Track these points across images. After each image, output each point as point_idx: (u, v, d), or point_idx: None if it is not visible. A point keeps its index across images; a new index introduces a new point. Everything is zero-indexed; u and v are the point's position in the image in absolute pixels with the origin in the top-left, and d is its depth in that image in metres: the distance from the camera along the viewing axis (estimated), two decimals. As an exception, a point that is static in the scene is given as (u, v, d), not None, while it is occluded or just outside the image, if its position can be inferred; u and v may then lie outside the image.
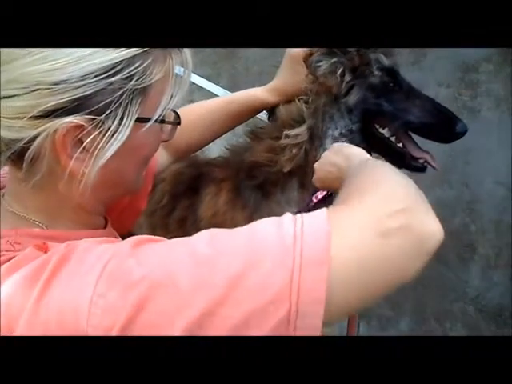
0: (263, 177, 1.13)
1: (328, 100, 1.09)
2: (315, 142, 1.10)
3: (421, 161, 1.11)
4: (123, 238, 0.83)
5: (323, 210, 0.53)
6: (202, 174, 1.25)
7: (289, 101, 1.11)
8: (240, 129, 1.24)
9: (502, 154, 2.02)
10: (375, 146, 1.12)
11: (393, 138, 1.11)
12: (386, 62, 1.09)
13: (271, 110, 1.16)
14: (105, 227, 0.75)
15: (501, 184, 2.04)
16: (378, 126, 1.10)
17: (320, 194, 1.08)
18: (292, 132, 1.09)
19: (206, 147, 1.19)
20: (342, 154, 0.82)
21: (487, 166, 2.06)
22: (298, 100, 1.10)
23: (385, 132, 1.10)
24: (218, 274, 0.48)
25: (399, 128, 1.09)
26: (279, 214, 1.11)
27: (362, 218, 0.52)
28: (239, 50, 2.61)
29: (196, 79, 1.51)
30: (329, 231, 0.50)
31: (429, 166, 1.13)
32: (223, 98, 1.16)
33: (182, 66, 0.67)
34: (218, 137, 1.17)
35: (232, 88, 1.45)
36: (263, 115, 1.21)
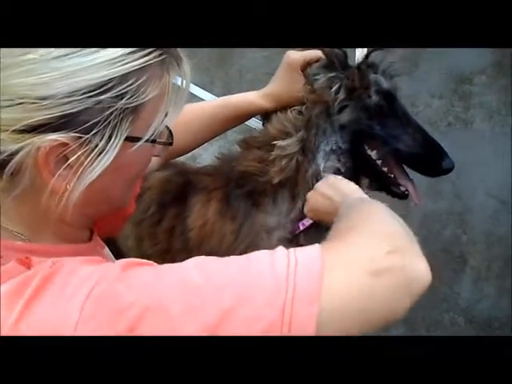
0: (252, 186, 1.12)
1: (322, 113, 1.08)
2: (308, 155, 1.09)
3: (402, 188, 1.10)
4: (109, 241, 0.83)
5: (317, 248, 0.54)
6: (191, 182, 1.23)
7: (283, 108, 1.10)
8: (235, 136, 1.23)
9: (494, 166, 2.03)
10: (361, 166, 1.11)
11: (379, 161, 1.10)
12: (384, 84, 1.08)
13: (265, 115, 1.15)
14: (90, 239, 0.73)
15: (492, 196, 2.04)
16: (367, 147, 1.09)
17: (307, 222, 1.06)
18: (282, 143, 1.08)
19: (199, 157, 1.18)
20: (336, 189, 0.83)
21: (479, 177, 2.06)
22: (291, 111, 1.09)
23: (373, 154, 1.09)
24: (209, 305, 0.48)
25: (387, 154, 1.08)
26: (269, 225, 1.11)
27: (353, 257, 0.53)
28: (233, 57, 2.60)
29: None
30: (321, 271, 0.50)
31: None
32: (218, 102, 1.15)
33: (180, 77, 0.64)
34: (211, 139, 1.17)
35: (225, 95, 1.44)
36: (254, 123, 1.21)
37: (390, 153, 1.08)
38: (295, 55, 1.06)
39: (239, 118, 1.13)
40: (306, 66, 1.05)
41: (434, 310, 2.14)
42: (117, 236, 1.40)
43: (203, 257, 0.54)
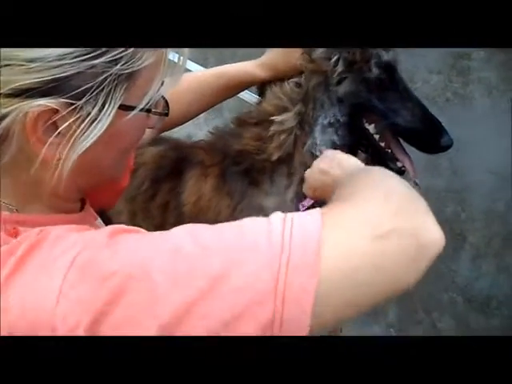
0: (249, 163, 1.11)
1: (320, 85, 1.06)
2: (305, 129, 1.07)
3: (399, 164, 1.09)
4: (102, 217, 0.81)
5: (316, 212, 0.50)
6: (186, 157, 1.21)
7: (279, 78, 1.08)
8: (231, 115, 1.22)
9: (493, 142, 2.00)
10: (359, 140, 1.11)
11: (377, 136, 1.09)
12: (385, 57, 1.06)
13: (261, 86, 1.12)
14: (81, 210, 0.70)
15: (491, 173, 2.02)
16: (365, 121, 1.08)
17: (307, 203, 1.04)
18: (279, 118, 1.06)
19: (194, 135, 1.17)
20: (335, 163, 0.78)
21: (478, 154, 2.03)
22: (288, 83, 1.07)
23: (370, 128, 1.08)
24: (199, 272, 0.45)
25: (385, 127, 1.07)
26: (266, 203, 1.09)
27: (355, 220, 0.49)
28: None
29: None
30: (319, 237, 0.46)
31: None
32: (213, 72, 1.13)
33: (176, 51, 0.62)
34: (206, 110, 1.15)
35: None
36: (247, 96, 1.18)
37: (389, 127, 1.07)
38: None
39: (235, 87, 1.11)
40: None
41: (432, 289, 2.13)
42: (110, 210, 1.38)
43: (194, 224, 0.52)
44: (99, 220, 0.78)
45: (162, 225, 1.21)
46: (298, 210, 1.06)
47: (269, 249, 0.46)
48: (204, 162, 1.17)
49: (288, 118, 1.06)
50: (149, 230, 1.21)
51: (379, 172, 0.62)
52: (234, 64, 1.11)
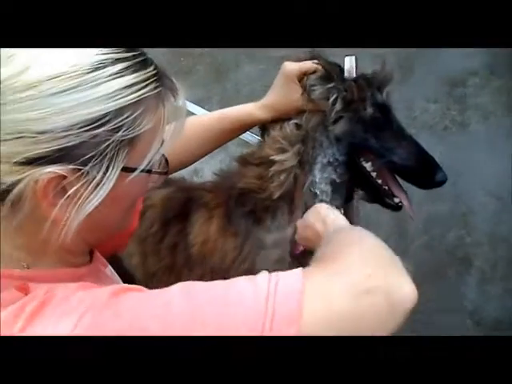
0: (253, 203, 1.13)
1: (319, 125, 1.09)
2: (305, 168, 1.10)
3: (396, 200, 1.12)
4: (114, 260, 0.85)
5: (298, 271, 0.55)
6: (192, 199, 1.24)
7: (280, 119, 1.11)
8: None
9: (492, 166, 2.04)
10: (356, 177, 1.13)
11: (374, 173, 1.11)
12: (380, 98, 1.09)
13: (263, 127, 1.15)
14: (90, 261, 0.74)
15: (493, 196, 2.05)
16: (362, 159, 1.11)
17: (302, 247, 1.08)
18: (278, 157, 1.09)
19: (200, 170, 1.18)
20: (319, 218, 0.84)
21: (479, 178, 2.07)
22: (288, 124, 1.10)
23: (368, 166, 1.10)
24: (189, 325, 0.50)
25: (382, 166, 1.10)
26: (269, 240, 1.11)
27: (334, 281, 0.54)
28: (229, 72, 2.63)
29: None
30: (301, 294, 0.51)
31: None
32: (215, 114, 1.15)
33: (174, 118, 0.65)
34: (210, 152, 1.17)
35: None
36: (249, 137, 1.21)
37: (385, 165, 1.09)
38: (292, 66, 1.07)
39: (237, 129, 1.14)
40: (302, 76, 1.06)
41: (442, 314, 2.14)
42: (122, 254, 1.42)
43: (190, 281, 0.56)
44: (109, 267, 0.82)
45: (172, 266, 1.23)
46: (295, 250, 1.10)
47: (254, 305, 0.51)
48: (209, 203, 1.20)
49: (288, 158, 1.08)
50: (160, 271, 1.27)
51: (358, 234, 0.67)
52: (235, 106, 1.13)
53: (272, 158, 1.09)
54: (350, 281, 0.53)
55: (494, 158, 2.03)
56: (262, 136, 1.17)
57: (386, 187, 1.12)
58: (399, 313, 0.53)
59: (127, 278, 1.43)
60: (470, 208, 2.09)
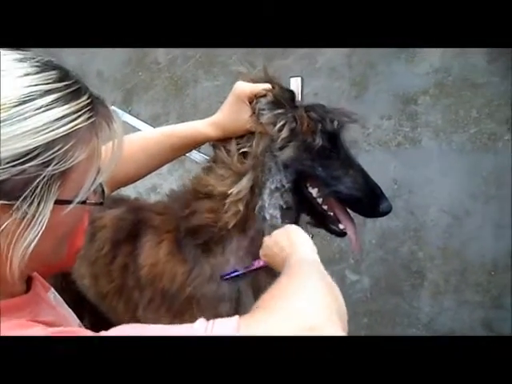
0: (207, 236, 1.12)
1: (267, 150, 1.08)
2: (255, 192, 1.09)
3: (341, 226, 1.12)
4: (67, 282, 0.82)
5: (235, 319, 0.57)
6: (142, 221, 1.23)
7: (228, 138, 1.10)
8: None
9: (443, 182, 2.09)
10: (302, 203, 1.13)
11: (320, 200, 1.11)
12: (330, 128, 1.08)
13: (214, 145, 1.14)
14: (28, 290, 0.72)
15: (445, 212, 2.11)
16: (308, 185, 1.10)
17: (257, 264, 1.08)
18: (235, 190, 1.07)
19: (159, 186, 1.16)
20: (288, 239, 0.86)
21: (431, 194, 2.12)
22: (234, 155, 1.09)
23: (314, 192, 1.10)
24: None
25: (328, 194, 1.10)
26: (220, 267, 1.11)
27: (270, 330, 0.56)
28: (188, 88, 2.63)
29: (133, 121, 1.50)
30: (236, 328, 0.55)
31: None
32: (163, 131, 1.13)
33: (110, 140, 0.64)
34: (157, 168, 1.14)
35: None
36: (198, 156, 1.21)
37: (330, 194, 1.09)
38: (244, 86, 1.07)
39: (186, 145, 1.12)
40: (253, 98, 1.06)
41: (397, 327, 2.17)
42: (74, 275, 1.39)
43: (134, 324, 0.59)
44: (52, 290, 0.79)
45: (122, 287, 1.21)
46: (252, 264, 1.10)
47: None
48: (159, 226, 1.18)
49: (242, 188, 1.08)
50: (111, 292, 1.25)
51: (309, 275, 0.70)
52: (185, 123, 1.12)
53: (225, 191, 1.07)
54: (287, 331, 0.56)
55: (446, 173, 2.09)
56: (215, 151, 1.15)
57: (332, 213, 1.12)
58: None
59: (79, 299, 1.41)
60: (422, 223, 2.14)
